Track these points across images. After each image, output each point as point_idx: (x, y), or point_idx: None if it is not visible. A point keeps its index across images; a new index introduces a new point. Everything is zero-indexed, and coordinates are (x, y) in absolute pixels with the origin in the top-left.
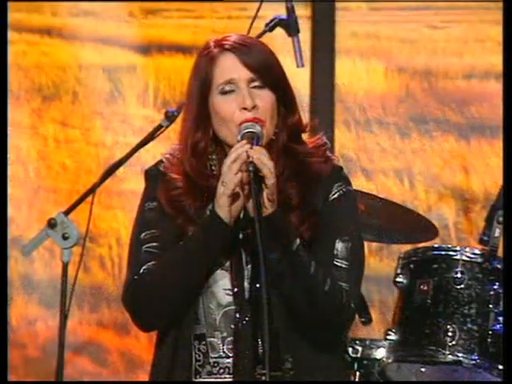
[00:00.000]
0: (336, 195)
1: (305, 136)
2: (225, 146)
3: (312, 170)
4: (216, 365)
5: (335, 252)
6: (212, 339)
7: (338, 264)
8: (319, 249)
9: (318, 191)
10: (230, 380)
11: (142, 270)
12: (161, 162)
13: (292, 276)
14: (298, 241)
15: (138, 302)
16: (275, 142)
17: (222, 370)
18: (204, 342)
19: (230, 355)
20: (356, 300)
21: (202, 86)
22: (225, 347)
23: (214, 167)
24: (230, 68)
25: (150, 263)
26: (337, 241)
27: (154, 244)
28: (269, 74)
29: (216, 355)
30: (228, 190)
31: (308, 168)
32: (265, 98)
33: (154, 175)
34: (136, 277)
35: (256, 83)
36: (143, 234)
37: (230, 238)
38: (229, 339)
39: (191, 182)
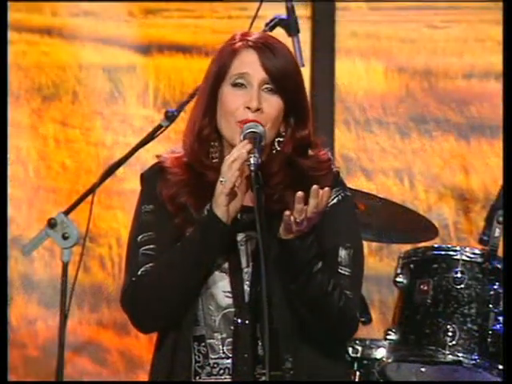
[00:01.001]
0: (335, 200)
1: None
2: (223, 138)
3: (312, 182)
4: (216, 366)
5: (339, 260)
6: (211, 341)
7: (342, 272)
8: (323, 257)
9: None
10: (230, 380)
11: (139, 272)
12: (157, 164)
13: (311, 297)
14: (319, 264)
15: (135, 304)
16: (280, 152)
17: (221, 371)
18: (204, 344)
19: (230, 356)
20: (358, 306)
21: (218, 73)
22: (224, 348)
23: (214, 154)
24: (248, 64)
25: (147, 265)
26: (340, 248)
27: (151, 246)
28: (283, 81)
29: (216, 356)
30: (226, 189)
31: (308, 180)
32: (273, 104)
33: (148, 178)
34: (134, 279)
35: (268, 86)
36: (140, 237)
37: (228, 238)
38: (228, 340)
39: (192, 173)
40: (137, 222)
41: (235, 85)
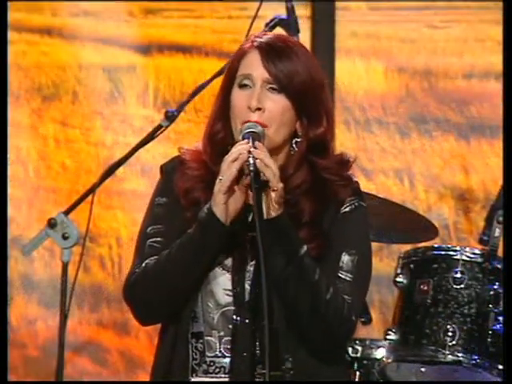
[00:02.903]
0: (347, 209)
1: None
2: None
3: (330, 190)
4: (212, 364)
5: (341, 264)
6: (209, 338)
7: (342, 276)
8: (325, 259)
9: (331, 210)
10: (226, 379)
11: (143, 264)
12: (177, 156)
13: (297, 282)
14: (305, 247)
15: (136, 295)
16: (295, 152)
17: (217, 370)
18: (201, 341)
19: (227, 355)
20: (358, 313)
21: (229, 77)
22: (221, 347)
23: None
24: (251, 64)
25: (152, 257)
26: (343, 253)
27: (159, 239)
28: (287, 80)
29: (212, 354)
30: (223, 187)
31: (326, 187)
32: (276, 103)
33: (167, 170)
34: (137, 270)
35: (272, 85)
36: (149, 228)
37: (227, 237)
38: (225, 339)
39: (208, 169)
40: (149, 212)
41: (241, 86)
